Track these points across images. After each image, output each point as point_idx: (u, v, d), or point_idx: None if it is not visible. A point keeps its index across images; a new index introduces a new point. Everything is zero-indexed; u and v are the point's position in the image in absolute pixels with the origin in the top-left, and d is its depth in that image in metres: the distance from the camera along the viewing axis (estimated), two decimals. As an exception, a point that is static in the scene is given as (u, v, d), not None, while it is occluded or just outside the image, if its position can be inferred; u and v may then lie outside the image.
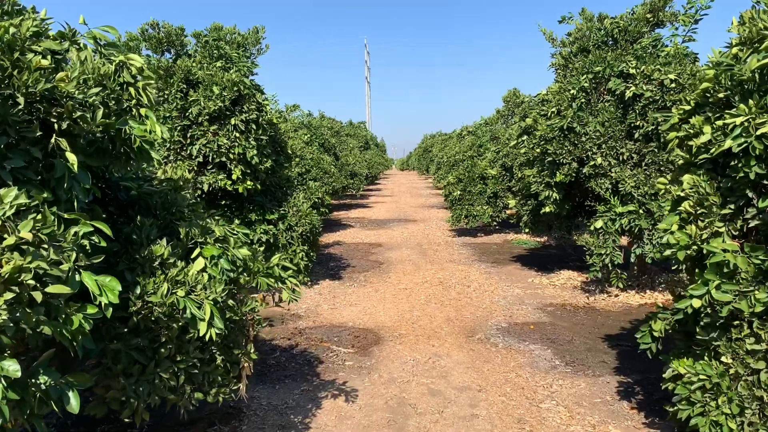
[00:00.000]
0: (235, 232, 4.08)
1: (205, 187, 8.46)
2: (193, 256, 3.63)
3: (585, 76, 9.03)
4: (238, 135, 8.28)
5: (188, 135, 8.26)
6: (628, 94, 8.41)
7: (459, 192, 15.27)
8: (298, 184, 14.54)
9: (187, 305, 3.25)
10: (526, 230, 10.57)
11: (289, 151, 9.59)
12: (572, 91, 8.98)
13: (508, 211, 15.59)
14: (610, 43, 9.71)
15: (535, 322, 7.88)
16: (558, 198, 9.14)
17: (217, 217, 4.52)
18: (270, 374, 5.98)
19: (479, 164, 15.46)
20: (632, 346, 6.84)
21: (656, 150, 8.37)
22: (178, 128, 8.23)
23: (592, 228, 8.57)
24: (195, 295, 3.34)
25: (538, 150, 9.16)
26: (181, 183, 4.44)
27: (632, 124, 8.54)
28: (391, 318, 8.06)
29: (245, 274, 3.88)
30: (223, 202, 9.24)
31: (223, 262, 3.71)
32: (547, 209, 9.29)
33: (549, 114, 9.29)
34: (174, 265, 3.40)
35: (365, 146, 38.50)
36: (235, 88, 8.27)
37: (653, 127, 8.23)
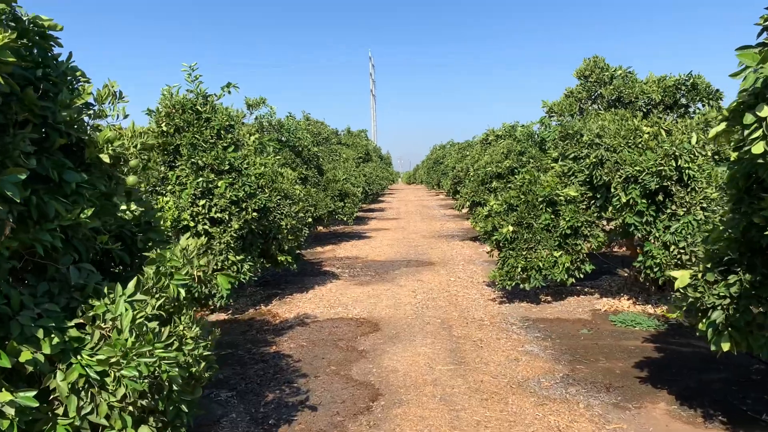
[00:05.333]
0: None
1: None
2: None
3: None
4: None
5: None
6: None
7: (512, 227, 8.95)
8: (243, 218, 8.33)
9: None
10: (724, 345, 4.29)
11: (105, 156, 3.35)
12: None
13: (588, 247, 9.18)
14: None
15: None
16: None
17: None
18: None
19: (543, 180, 9.16)
20: None
21: None
22: None
23: None
24: None
25: None
26: None
27: None
28: None
29: None
30: None
31: None
32: None
33: None
34: None
35: (365, 158, 32.26)
36: None
37: None
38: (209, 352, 3.74)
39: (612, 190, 8.07)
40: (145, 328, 3.16)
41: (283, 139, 15.49)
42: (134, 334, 3.14)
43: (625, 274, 11.25)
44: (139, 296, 3.33)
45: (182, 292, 3.47)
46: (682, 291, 4.70)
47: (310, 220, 15.30)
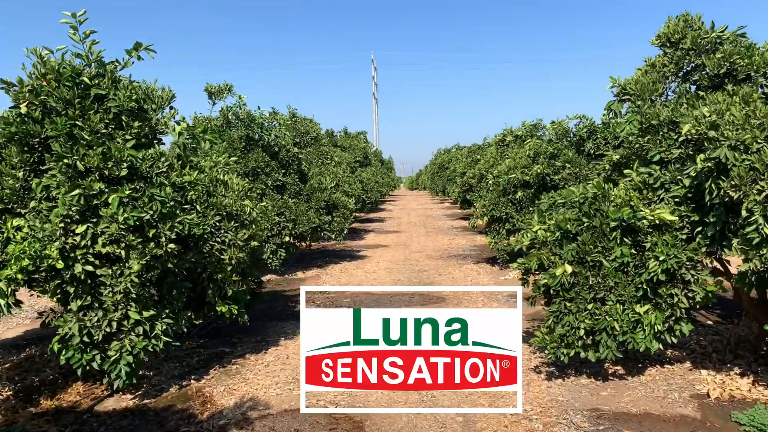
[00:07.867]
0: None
1: None
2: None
3: None
4: None
5: None
6: None
7: (570, 267, 5.87)
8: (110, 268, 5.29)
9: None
10: None
11: None
12: None
13: (690, 300, 6.01)
14: None
15: None
16: None
17: None
18: None
19: (615, 195, 6.09)
20: None
21: None
22: None
23: None
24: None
25: None
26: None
27: None
28: None
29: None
30: None
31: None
32: None
33: None
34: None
35: (363, 162, 29.19)
36: None
37: None
38: None
39: (743, 212, 4.98)
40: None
41: (256, 137, 12.46)
42: None
43: (711, 322, 8.16)
44: None
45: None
46: None
47: (287, 238, 12.25)
